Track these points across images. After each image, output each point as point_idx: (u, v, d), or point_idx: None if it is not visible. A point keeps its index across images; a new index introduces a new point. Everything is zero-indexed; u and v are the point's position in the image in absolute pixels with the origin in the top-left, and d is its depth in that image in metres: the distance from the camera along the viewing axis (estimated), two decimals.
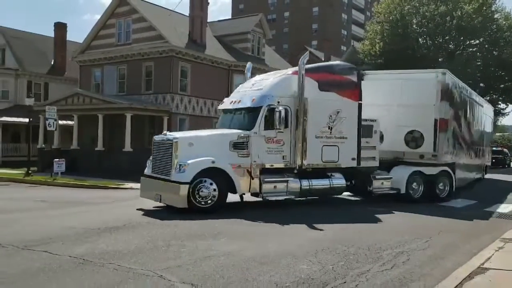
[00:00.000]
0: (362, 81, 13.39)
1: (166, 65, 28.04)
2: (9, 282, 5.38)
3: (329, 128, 12.42)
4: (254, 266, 6.19)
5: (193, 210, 10.48)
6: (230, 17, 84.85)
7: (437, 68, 17.56)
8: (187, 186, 10.44)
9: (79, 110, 27.37)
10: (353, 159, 12.84)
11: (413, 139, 14.29)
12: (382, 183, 13.63)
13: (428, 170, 14.30)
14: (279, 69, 35.38)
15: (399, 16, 40.96)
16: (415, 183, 14.10)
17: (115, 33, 30.85)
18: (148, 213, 10.82)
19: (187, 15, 31.87)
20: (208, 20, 34.13)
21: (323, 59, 56.07)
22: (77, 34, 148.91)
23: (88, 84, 31.36)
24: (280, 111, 11.47)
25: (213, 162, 10.81)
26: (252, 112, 11.86)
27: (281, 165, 11.87)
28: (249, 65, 15.18)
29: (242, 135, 11.42)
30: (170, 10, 34.13)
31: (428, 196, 14.28)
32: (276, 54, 44.71)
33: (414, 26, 41.79)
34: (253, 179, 11.43)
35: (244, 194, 11.62)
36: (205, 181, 10.66)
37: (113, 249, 7.02)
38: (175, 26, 30.73)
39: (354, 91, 12.91)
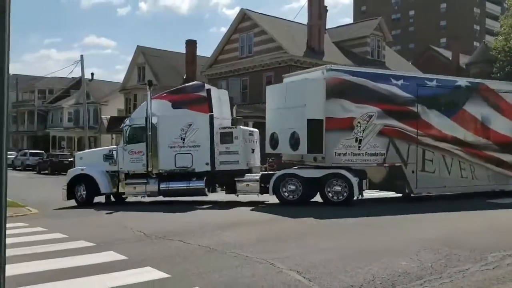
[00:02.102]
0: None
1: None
2: (156, 261, 6.77)
3: (181, 139, 14.55)
4: (356, 260, 6.81)
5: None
6: (351, 19, 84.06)
7: None
8: (66, 186, 14.87)
9: None
10: (207, 164, 14.49)
11: (295, 141, 13.66)
12: (248, 185, 14.31)
13: (307, 173, 13.77)
14: (401, 72, 34.74)
15: None
16: (291, 186, 13.73)
17: (239, 47, 33.14)
18: (258, 213, 11.96)
19: (306, 23, 32.97)
20: (328, 24, 34.84)
21: (450, 58, 53.13)
22: (205, 47, 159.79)
23: None
24: (135, 129, 14.84)
25: (82, 169, 15.00)
26: (122, 131, 15.56)
27: (142, 171, 14.68)
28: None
29: (111, 149, 15.55)
30: (289, 21, 35.55)
31: (309, 198, 13.93)
32: (397, 55, 43.67)
33: None
34: (120, 182, 15.01)
35: (111, 194, 15.21)
36: (79, 183, 14.82)
37: (234, 241, 8.19)
38: (293, 36, 32.01)
39: (204, 105, 14.58)
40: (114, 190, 15.06)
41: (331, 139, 13.42)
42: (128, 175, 14.92)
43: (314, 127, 13.23)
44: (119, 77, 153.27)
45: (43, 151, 44.02)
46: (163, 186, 14.43)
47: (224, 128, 14.89)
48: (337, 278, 5.91)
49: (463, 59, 51.45)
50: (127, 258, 7.06)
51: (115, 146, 15.85)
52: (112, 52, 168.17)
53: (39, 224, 10.63)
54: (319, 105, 13.33)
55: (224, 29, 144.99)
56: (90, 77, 58.62)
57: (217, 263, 6.68)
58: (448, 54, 55.01)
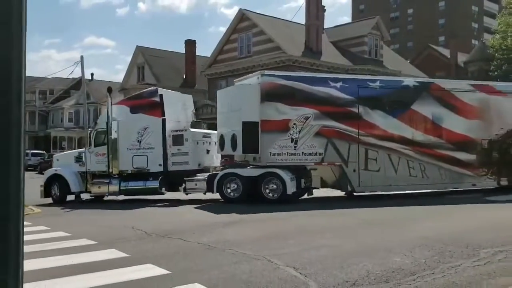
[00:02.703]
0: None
1: None
2: (157, 258, 6.96)
3: (138, 142, 15.52)
4: (351, 257, 7.00)
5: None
6: (349, 18, 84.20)
7: None
8: (43, 185, 15.90)
9: (208, 119, 30.10)
10: (159, 165, 15.40)
11: (234, 142, 14.52)
12: (196, 184, 15.06)
13: (246, 172, 14.52)
14: (399, 70, 34.92)
15: None
16: (233, 184, 14.45)
17: (238, 47, 33.33)
18: (256, 212, 12.16)
19: (304, 23, 33.15)
20: (326, 23, 35.01)
21: (449, 57, 53.33)
22: (204, 46, 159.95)
23: (215, 95, 34.24)
24: (99, 133, 15.86)
25: (56, 170, 16.05)
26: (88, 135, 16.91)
27: (106, 172, 15.65)
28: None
29: (81, 152, 16.55)
30: (287, 21, 35.74)
31: (250, 196, 14.28)
32: (395, 54, 43.85)
33: None
34: (88, 181, 15.80)
35: (81, 193, 16.05)
36: (54, 183, 15.81)
37: (232, 239, 8.39)
38: (292, 36, 32.19)
39: (157, 110, 15.50)
40: (84, 189, 16.12)
41: (266, 140, 14.06)
42: (95, 175, 15.95)
43: (249, 129, 13.97)
44: (119, 77, 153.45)
45: (44, 151, 44.20)
46: (123, 185, 15.50)
47: (176, 131, 15.72)
48: (333, 274, 6.10)
49: (462, 58, 51.66)
50: (128, 255, 7.26)
51: (82, 149, 16.86)
52: (112, 52, 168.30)
53: (42, 223, 10.81)
54: (255, 108, 14.07)
55: (223, 29, 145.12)
56: (90, 77, 58.78)
57: (216, 260, 6.88)
58: (446, 52, 55.23)
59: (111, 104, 15.53)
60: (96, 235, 9.07)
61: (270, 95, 14.18)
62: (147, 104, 15.70)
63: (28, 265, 6.71)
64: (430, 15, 78.12)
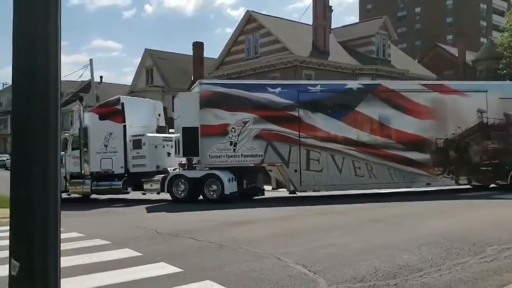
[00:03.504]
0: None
1: (291, 74, 29.69)
2: (169, 257, 7.15)
3: (105, 146, 16.89)
4: (359, 255, 7.14)
5: None
6: (357, 17, 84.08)
7: None
8: None
9: None
10: (121, 167, 16.76)
11: (178, 147, 15.91)
12: (151, 185, 16.35)
13: (191, 174, 15.64)
14: (407, 70, 34.90)
15: None
16: (180, 185, 15.59)
17: (245, 49, 33.50)
18: (266, 211, 12.32)
19: (311, 24, 33.25)
20: (333, 23, 35.10)
21: (457, 56, 53.10)
22: (211, 47, 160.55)
23: None
24: (75, 138, 17.24)
25: None
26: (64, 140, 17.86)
27: (79, 172, 17.02)
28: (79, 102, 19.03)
29: (62, 154, 16.49)
30: (294, 21, 35.84)
31: (195, 196, 15.36)
32: (403, 54, 43.77)
33: None
34: (67, 181, 17.12)
35: (62, 192, 16.01)
36: None
37: (243, 238, 8.56)
38: (299, 37, 32.31)
39: (119, 117, 16.85)
40: (64, 189, 17.26)
41: (206, 144, 15.16)
42: (72, 176, 17.32)
43: (189, 134, 15.14)
44: (126, 79, 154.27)
45: None
46: (94, 185, 16.99)
47: (135, 136, 17.10)
48: (341, 271, 6.24)
49: (470, 56, 51.44)
50: (141, 254, 7.45)
51: (63, 152, 17.83)
52: (119, 54, 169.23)
53: None
54: (194, 114, 15.17)
55: (229, 30, 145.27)
56: (99, 80, 59.28)
57: (227, 258, 7.05)
58: (454, 51, 54.97)
59: (83, 112, 17.44)
60: (109, 235, 9.28)
61: (208, 102, 15.23)
62: (112, 112, 17.18)
63: None
64: (438, 13, 77.81)
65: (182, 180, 15.60)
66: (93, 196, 17.95)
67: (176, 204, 15.22)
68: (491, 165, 16.39)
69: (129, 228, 10.41)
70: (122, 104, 17.13)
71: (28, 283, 1.62)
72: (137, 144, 16.95)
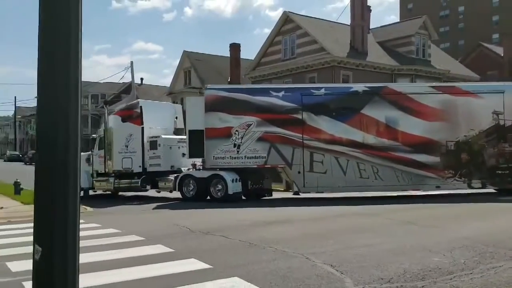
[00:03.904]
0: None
1: (328, 75, 29.52)
2: (200, 254, 7.34)
3: (126, 146, 17.92)
4: (388, 256, 7.08)
5: None
6: (397, 17, 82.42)
7: None
8: None
9: None
10: (139, 166, 17.74)
11: (186, 148, 16.89)
12: (165, 184, 17.39)
13: (199, 174, 16.44)
14: (448, 70, 34.00)
15: None
16: (190, 184, 16.52)
17: (282, 49, 33.55)
18: (302, 212, 12.34)
19: (349, 24, 32.95)
20: (373, 23, 34.62)
21: (502, 55, 51.19)
22: (249, 49, 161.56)
23: None
24: (101, 138, 18.51)
25: None
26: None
27: (103, 171, 18.18)
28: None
29: (89, 154, 18.78)
30: (332, 22, 35.59)
31: (203, 195, 16.13)
32: (444, 54, 42.65)
33: None
34: (93, 179, 18.44)
35: (89, 189, 18.58)
36: None
37: (272, 237, 8.64)
38: (336, 37, 32.08)
39: (138, 119, 17.88)
40: (92, 186, 18.66)
41: (210, 146, 15.89)
42: (98, 174, 18.54)
43: (195, 136, 16.01)
44: (166, 81, 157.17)
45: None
46: (116, 182, 18.08)
47: (152, 137, 17.99)
48: (369, 271, 6.22)
49: None
50: (173, 250, 7.67)
51: (89, 152, 19.22)
52: (159, 56, 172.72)
53: (94, 221, 11.48)
54: (200, 118, 15.95)
55: (267, 31, 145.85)
56: (139, 82, 60.78)
57: (256, 256, 7.15)
58: (500, 50, 53.00)
59: (108, 115, 18.68)
60: (144, 231, 9.58)
61: (213, 106, 15.96)
62: (132, 114, 18.29)
63: (82, 258, 7.24)
64: (483, 11, 75.21)
65: (191, 180, 16.51)
66: (120, 193, 19.23)
67: (207, 204, 15.60)
68: (508, 168, 15.84)
69: (163, 225, 10.69)
70: (141, 107, 18.22)
71: (49, 265, 1.77)
72: (153, 145, 17.93)
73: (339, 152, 15.72)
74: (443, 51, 45.14)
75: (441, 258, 6.97)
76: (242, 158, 15.81)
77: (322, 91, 16.14)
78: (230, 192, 15.62)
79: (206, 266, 6.56)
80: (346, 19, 35.09)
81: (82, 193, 17.35)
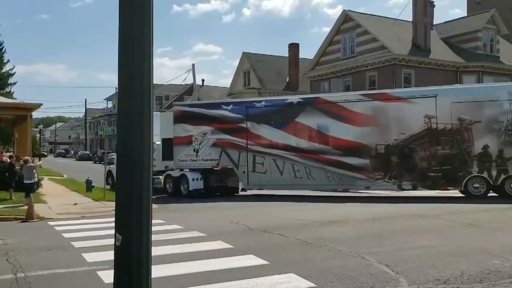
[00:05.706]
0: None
1: (389, 73, 29.01)
2: (258, 250, 7.67)
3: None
4: (446, 258, 7.03)
5: None
6: (463, 10, 78.71)
7: None
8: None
9: None
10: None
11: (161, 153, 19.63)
12: (157, 181, 19.28)
13: (174, 174, 19.40)
14: None
15: None
16: (171, 182, 19.38)
17: (341, 48, 33.30)
18: (360, 212, 12.33)
19: (411, 21, 32.11)
20: (437, 18, 33.52)
21: None
22: (307, 48, 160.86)
23: None
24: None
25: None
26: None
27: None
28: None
29: None
30: (392, 19, 34.79)
31: (179, 191, 18.69)
32: None
33: None
34: None
35: None
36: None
37: (328, 236, 8.79)
38: (398, 34, 31.37)
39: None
40: None
41: (177, 151, 19.16)
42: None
43: (166, 143, 19.48)
44: (226, 81, 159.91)
45: None
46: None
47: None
48: (425, 272, 6.24)
49: None
50: (233, 247, 8.04)
51: None
52: (219, 58, 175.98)
53: (159, 217, 12.12)
54: (170, 128, 19.22)
55: (326, 29, 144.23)
56: (200, 83, 62.46)
57: (311, 255, 7.36)
58: None
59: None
60: (205, 228, 10.05)
61: (178, 118, 19.31)
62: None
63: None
64: None
65: (169, 179, 19.60)
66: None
67: (266, 202, 16.08)
68: (441, 171, 16.04)
69: (223, 223, 11.12)
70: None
71: (127, 251, 2.11)
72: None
73: (277, 155, 17.90)
74: None
75: (502, 261, 6.83)
76: (200, 161, 18.84)
77: (263, 103, 18.76)
78: (191, 188, 18.34)
79: (264, 262, 6.85)
80: (408, 15, 34.05)
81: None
